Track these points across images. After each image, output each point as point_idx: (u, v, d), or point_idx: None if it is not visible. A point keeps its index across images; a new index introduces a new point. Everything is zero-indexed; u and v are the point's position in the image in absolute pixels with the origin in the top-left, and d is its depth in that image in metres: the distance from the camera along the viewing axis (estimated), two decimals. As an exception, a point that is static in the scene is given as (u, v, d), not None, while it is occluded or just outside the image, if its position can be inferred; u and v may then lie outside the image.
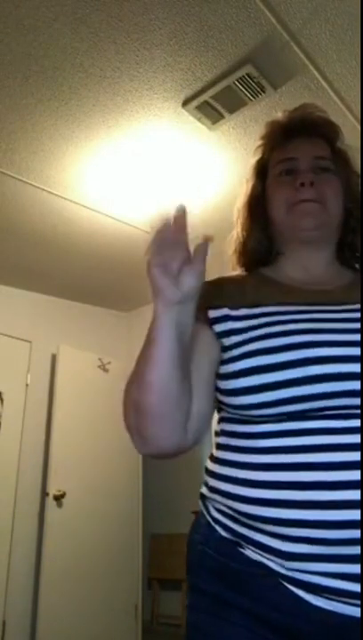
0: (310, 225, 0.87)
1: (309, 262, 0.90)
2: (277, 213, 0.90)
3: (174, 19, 1.79)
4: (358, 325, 0.74)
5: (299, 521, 0.66)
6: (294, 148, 0.91)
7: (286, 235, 0.91)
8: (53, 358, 3.78)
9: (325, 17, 1.80)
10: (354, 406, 0.69)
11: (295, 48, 1.92)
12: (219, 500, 0.77)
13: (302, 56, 1.95)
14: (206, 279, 0.85)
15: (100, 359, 3.97)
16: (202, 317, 0.83)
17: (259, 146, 0.98)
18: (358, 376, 0.69)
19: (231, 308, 0.83)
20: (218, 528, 0.76)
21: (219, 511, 0.77)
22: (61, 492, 3.39)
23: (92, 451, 3.68)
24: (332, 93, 2.13)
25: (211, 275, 0.97)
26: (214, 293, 0.87)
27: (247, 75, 2.02)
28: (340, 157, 0.93)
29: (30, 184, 2.68)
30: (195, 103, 2.16)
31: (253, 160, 0.99)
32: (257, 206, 0.95)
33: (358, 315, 0.76)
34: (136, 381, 0.74)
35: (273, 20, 1.80)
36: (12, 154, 2.46)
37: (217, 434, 0.83)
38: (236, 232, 0.98)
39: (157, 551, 4.51)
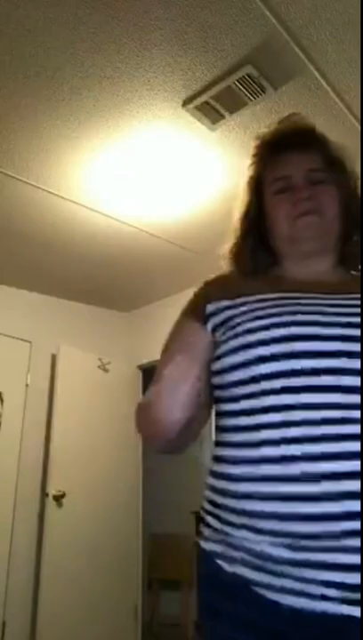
0: (311, 236, 0.90)
1: (310, 270, 0.93)
2: (279, 230, 0.93)
3: (175, 19, 1.79)
4: (347, 310, 0.78)
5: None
6: (286, 164, 0.93)
7: (288, 249, 0.93)
8: (53, 358, 3.78)
9: (325, 17, 1.80)
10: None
11: (295, 48, 1.92)
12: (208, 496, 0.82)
13: (302, 56, 1.95)
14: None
15: (100, 359, 3.97)
16: (198, 315, 0.89)
17: (251, 163, 1.00)
18: (338, 355, 0.73)
19: (230, 299, 0.87)
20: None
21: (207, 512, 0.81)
22: (61, 492, 3.39)
23: (92, 451, 3.68)
24: (332, 93, 2.13)
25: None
26: (213, 290, 0.92)
27: (247, 75, 2.02)
28: (334, 164, 0.94)
29: (30, 184, 2.68)
30: (195, 103, 2.16)
31: (246, 177, 1.01)
32: (253, 223, 0.97)
33: (349, 301, 0.80)
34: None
35: (273, 21, 1.80)
36: (12, 154, 2.45)
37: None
38: (233, 245, 0.99)
39: (157, 551, 4.51)
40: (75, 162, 2.54)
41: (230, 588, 0.73)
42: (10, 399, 3.52)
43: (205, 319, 0.88)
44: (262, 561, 0.70)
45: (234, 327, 0.81)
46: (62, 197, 2.80)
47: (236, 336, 0.79)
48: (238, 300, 0.85)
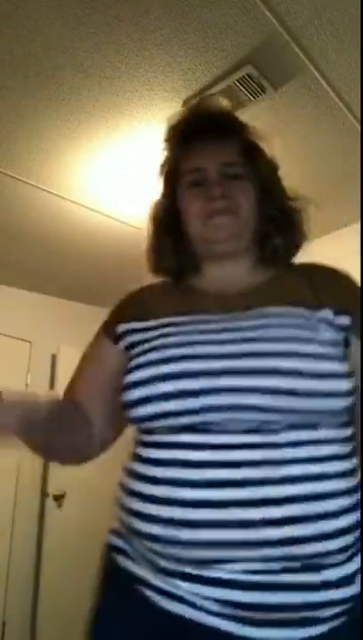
0: (225, 238, 0.84)
1: (228, 273, 0.88)
2: (191, 229, 0.88)
3: (175, 19, 1.79)
4: (234, 335, 0.73)
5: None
6: (200, 156, 0.87)
7: (202, 249, 0.89)
8: (53, 358, 3.78)
9: (325, 17, 1.80)
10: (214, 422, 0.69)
11: (295, 48, 1.91)
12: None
13: (302, 56, 1.95)
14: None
15: (100, 359, 3.96)
16: (110, 333, 0.88)
17: (163, 149, 0.94)
18: (219, 391, 0.68)
19: (138, 320, 0.85)
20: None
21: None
22: (61, 492, 3.39)
23: (92, 451, 3.68)
24: (332, 93, 2.13)
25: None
26: (126, 307, 0.91)
27: (247, 75, 2.02)
28: (252, 154, 0.87)
29: (30, 184, 2.67)
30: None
31: (159, 166, 0.95)
32: (168, 217, 0.93)
33: (242, 323, 0.75)
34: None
35: (273, 20, 1.80)
36: (12, 154, 2.45)
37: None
38: (148, 245, 0.96)
39: (157, 551, 4.51)
40: (75, 162, 2.54)
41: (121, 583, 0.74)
42: (10, 399, 3.52)
43: (116, 339, 0.87)
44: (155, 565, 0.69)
45: (133, 357, 0.78)
46: (62, 197, 2.80)
47: (135, 368, 0.76)
48: (145, 324, 0.82)
